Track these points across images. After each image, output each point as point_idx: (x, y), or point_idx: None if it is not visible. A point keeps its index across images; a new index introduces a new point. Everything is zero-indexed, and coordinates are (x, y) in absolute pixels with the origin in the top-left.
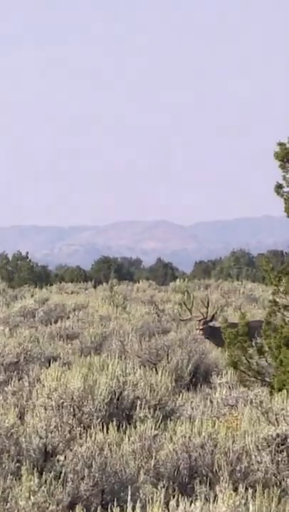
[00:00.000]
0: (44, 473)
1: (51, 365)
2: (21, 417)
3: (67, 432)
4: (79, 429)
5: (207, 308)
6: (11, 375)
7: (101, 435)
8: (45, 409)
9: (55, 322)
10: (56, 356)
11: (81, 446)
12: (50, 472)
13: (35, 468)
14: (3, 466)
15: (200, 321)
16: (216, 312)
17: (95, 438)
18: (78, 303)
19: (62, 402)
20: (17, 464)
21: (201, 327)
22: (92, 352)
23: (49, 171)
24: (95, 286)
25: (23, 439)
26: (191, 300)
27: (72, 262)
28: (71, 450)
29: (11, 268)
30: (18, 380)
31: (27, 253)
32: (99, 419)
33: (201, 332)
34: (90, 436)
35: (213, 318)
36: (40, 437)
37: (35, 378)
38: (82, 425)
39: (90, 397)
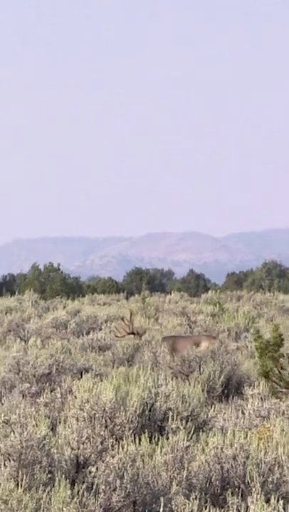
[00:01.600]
0: (76, 484)
1: (83, 376)
2: (53, 428)
3: (99, 443)
4: (111, 440)
5: (132, 323)
6: (43, 387)
7: (133, 446)
8: (77, 421)
9: (87, 333)
10: (88, 368)
11: (113, 457)
12: (83, 483)
13: (68, 480)
14: (36, 477)
15: (134, 336)
16: (145, 329)
17: (127, 449)
18: (110, 314)
19: (95, 414)
20: (49, 475)
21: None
22: (124, 363)
23: (83, 183)
24: (127, 298)
25: (55, 451)
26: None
27: (104, 273)
28: (103, 461)
29: (43, 279)
30: (51, 392)
31: (59, 264)
32: (131, 431)
33: None
34: (122, 448)
35: (144, 334)
36: (72, 448)
37: (68, 389)
38: (114, 436)
39: (122, 409)
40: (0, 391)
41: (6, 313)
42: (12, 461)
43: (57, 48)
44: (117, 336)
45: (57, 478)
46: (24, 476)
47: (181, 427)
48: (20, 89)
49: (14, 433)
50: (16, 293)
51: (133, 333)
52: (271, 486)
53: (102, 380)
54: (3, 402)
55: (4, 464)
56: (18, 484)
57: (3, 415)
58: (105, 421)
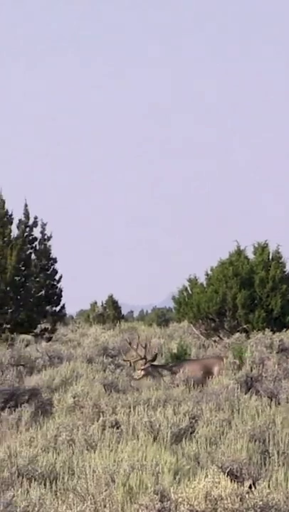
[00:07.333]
0: None
1: None
2: None
3: None
4: None
5: (146, 348)
6: None
7: None
8: None
9: None
10: None
11: None
12: None
13: None
14: None
15: (142, 361)
16: (156, 353)
17: None
18: None
19: None
20: None
21: (143, 367)
22: None
23: None
24: None
25: None
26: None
27: None
28: None
29: None
30: None
31: None
32: None
33: (143, 372)
34: None
35: (154, 358)
36: None
37: None
38: None
39: None
40: None
41: None
42: None
43: None
44: (126, 360)
45: None
46: None
47: None
48: None
49: None
50: None
51: (144, 359)
52: None
53: None
54: None
55: None
56: None
57: None
58: None
